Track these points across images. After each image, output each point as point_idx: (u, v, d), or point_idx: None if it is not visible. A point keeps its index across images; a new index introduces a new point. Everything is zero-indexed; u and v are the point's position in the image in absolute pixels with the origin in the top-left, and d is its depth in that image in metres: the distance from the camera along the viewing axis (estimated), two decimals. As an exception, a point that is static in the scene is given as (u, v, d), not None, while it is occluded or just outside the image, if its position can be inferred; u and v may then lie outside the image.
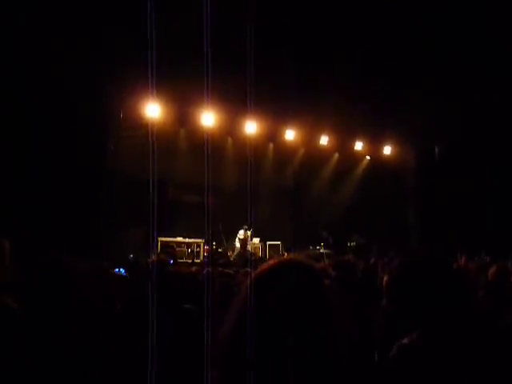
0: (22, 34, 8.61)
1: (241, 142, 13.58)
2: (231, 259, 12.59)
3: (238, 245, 13.06)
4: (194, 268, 5.96)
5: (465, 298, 2.03)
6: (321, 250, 13.65)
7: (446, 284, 2.00)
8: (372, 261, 4.64)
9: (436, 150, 15.34)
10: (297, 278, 1.04)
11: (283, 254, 13.35)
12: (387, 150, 15.85)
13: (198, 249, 12.46)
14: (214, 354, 1.02)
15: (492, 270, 4.28)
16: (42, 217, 8.78)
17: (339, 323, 1.08)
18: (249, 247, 13.08)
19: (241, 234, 13.04)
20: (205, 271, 3.96)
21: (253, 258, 12.24)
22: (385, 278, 3.99)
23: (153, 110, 11.53)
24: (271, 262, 1.12)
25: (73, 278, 1.68)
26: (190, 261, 11.60)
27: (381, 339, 2.76)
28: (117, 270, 3.34)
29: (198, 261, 11.91)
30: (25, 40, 8.69)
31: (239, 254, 12.78)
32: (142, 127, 11.01)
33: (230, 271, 4.14)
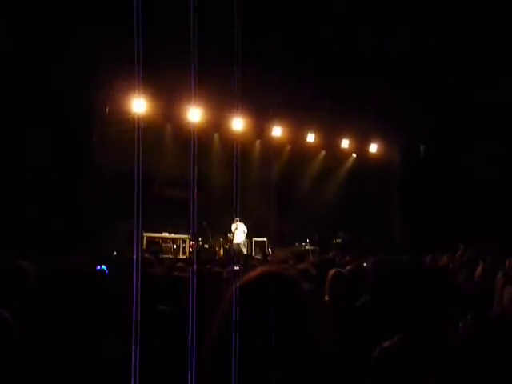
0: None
1: (228, 138, 13.54)
2: (219, 255, 12.56)
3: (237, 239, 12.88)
4: (179, 265, 5.91)
5: (448, 301, 2.04)
6: (306, 247, 13.70)
7: (428, 288, 2.01)
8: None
9: (421, 148, 15.48)
10: (276, 291, 1.10)
11: (269, 251, 13.38)
12: (373, 148, 15.95)
13: (184, 244, 12.41)
14: (198, 356, 1.05)
15: (479, 269, 4.34)
16: (26, 211, 8.66)
17: (316, 329, 1.15)
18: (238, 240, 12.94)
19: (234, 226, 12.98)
20: (191, 269, 3.91)
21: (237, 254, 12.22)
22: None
23: (139, 105, 11.43)
24: (252, 274, 1.18)
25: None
26: (173, 256, 11.55)
27: (355, 338, 2.76)
28: (99, 267, 3.30)
29: (184, 256, 11.87)
30: (6, 29, 8.54)
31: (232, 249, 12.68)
32: (127, 122, 10.91)
33: (219, 269, 4.09)
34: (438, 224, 12.89)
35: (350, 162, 16.20)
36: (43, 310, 1.76)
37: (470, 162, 12.92)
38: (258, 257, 12.54)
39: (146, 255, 4.80)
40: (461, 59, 11.45)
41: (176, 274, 3.37)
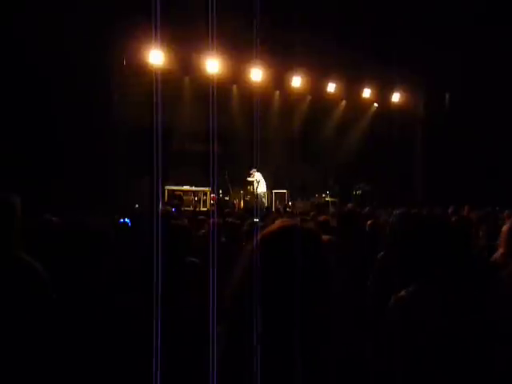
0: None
1: (246, 90, 13.34)
2: (240, 206, 12.65)
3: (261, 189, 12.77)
4: (200, 217, 5.99)
5: (463, 253, 2.06)
6: (326, 199, 13.71)
7: (443, 240, 2.03)
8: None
9: (446, 96, 15.02)
10: (296, 243, 1.13)
11: (289, 203, 13.44)
12: (396, 97, 15.54)
13: (205, 197, 12.55)
14: (220, 308, 1.09)
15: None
16: (48, 169, 8.80)
17: (334, 281, 1.18)
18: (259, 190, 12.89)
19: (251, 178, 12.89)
20: (211, 222, 3.98)
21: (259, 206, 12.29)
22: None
23: (156, 56, 11.28)
24: (272, 227, 1.19)
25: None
26: (193, 209, 11.70)
27: (375, 289, 2.81)
28: (121, 220, 3.38)
29: (205, 209, 12.02)
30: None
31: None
32: (145, 75, 10.81)
33: (239, 222, 4.14)
34: (461, 176, 12.68)
35: (371, 111, 15.86)
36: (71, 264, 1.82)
37: (497, 112, 12.51)
38: (280, 208, 12.60)
39: (168, 208, 4.88)
40: (488, 3, 10.90)
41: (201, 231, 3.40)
